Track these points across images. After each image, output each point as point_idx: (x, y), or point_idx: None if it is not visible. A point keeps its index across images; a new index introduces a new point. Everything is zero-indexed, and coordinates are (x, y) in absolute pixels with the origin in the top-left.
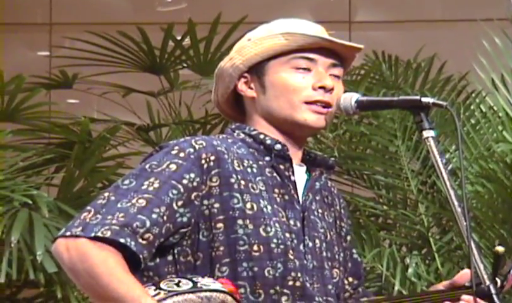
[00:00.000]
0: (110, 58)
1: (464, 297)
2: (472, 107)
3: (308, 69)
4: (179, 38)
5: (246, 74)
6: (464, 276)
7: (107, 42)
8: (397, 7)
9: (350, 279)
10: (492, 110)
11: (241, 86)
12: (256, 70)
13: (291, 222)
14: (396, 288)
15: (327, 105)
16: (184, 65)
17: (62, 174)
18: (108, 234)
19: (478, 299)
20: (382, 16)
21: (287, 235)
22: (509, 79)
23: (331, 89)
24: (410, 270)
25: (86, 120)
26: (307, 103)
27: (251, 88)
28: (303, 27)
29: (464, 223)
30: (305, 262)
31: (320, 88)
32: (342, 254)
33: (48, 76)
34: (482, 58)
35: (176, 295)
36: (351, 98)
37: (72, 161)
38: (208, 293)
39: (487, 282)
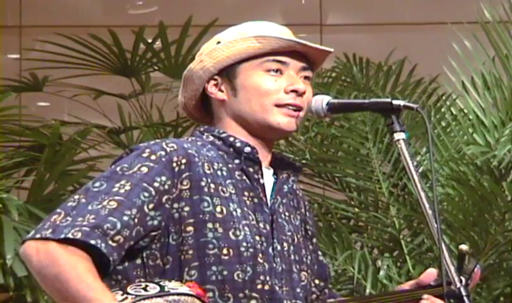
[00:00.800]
0: (81, 61)
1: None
2: (443, 110)
3: (280, 72)
4: (150, 40)
5: (216, 77)
6: (429, 275)
7: (78, 45)
8: (368, 10)
9: (316, 281)
10: (463, 112)
11: (211, 89)
12: (228, 73)
13: (261, 225)
14: (368, 290)
15: (298, 108)
16: (155, 68)
17: (32, 177)
18: (78, 235)
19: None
20: (353, 19)
21: (257, 238)
22: (479, 82)
23: (303, 93)
24: (381, 272)
25: (57, 123)
26: (278, 106)
27: (222, 91)
28: (274, 30)
29: (435, 226)
30: (274, 265)
31: (292, 91)
32: (309, 257)
33: (18, 79)
34: (452, 61)
35: (144, 299)
36: (322, 101)
37: (42, 164)
38: (176, 297)
39: (458, 284)
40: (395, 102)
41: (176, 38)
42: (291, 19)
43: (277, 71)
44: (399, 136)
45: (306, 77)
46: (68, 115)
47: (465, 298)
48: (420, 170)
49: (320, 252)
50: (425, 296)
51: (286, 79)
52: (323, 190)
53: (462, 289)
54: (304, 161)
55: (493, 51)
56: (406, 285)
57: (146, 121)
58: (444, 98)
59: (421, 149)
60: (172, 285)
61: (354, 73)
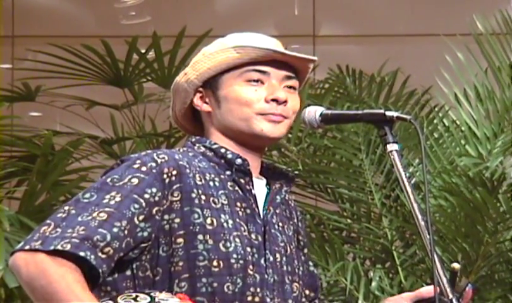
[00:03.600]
0: (74, 71)
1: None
2: (435, 121)
3: (261, 82)
4: (143, 51)
5: (201, 89)
6: (430, 290)
7: (71, 55)
8: (361, 22)
9: (307, 291)
10: (455, 124)
11: (197, 101)
12: (211, 84)
13: (253, 236)
14: (360, 302)
15: (281, 117)
16: (149, 78)
17: (24, 188)
18: (68, 247)
19: None
20: (346, 30)
21: (248, 249)
22: (471, 94)
23: (284, 102)
24: (374, 284)
25: (49, 133)
26: (260, 115)
27: (207, 103)
28: (256, 40)
29: (428, 237)
30: (266, 276)
31: (273, 100)
32: (301, 268)
33: (10, 89)
34: (445, 73)
35: None
36: (315, 112)
37: (34, 175)
38: None
39: (450, 296)
40: (388, 113)
41: (169, 48)
42: (284, 30)
43: (257, 80)
44: (392, 147)
45: (290, 87)
46: (60, 125)
47: None
48: (413, 182)
49: (311, 263)
50: None
51: (266, 89)
52: (315, 201)
53: (454, 301)
54: (296, 172)
55: (485, 63)
56: (408, 297)
57: (139, 131)
58: (436, 109)
59: (414, 160)
60: (162, 296)
61: (347, 84)
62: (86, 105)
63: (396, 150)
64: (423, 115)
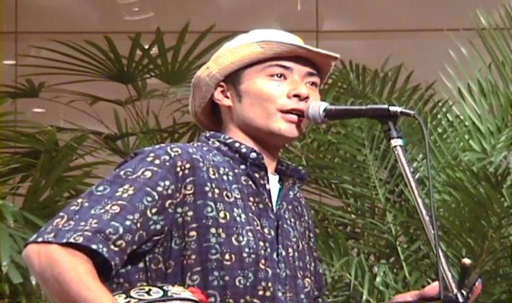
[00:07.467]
0: (77, 67)
1: None
2: (439, 116)
3: (283, 77)
4: (146, 47)
5: (222, 83)
6: (434, 288)
7: (74, 51)
8: (365, 17)
9: None
10: (459, 119)
11: (218, 95)
12: (233, 79)
13: (265, 231)
14: (364, 297)
15: (301, 113)
16: (152, 74)
17: (28, 184)
18: (80, 240)
19: None
20: (349, 26)
21: (261, 243)
22: (475, 89)
23: (306, 98)
24: (378, 279)
25: (53, 129)
26: (282, 111)
27: (228, 97)
28: (279, 36)
29: (432, 232)
30: (278, 271)
31: (295, 96)
32: (313, 264)
33: (14, 85)
34: (449, 68)
35: None
36: (319, 107)
37: (38, 171)
38: (178, 302)
39: (455, 291)
40: (392, 108)
41: (172, 44)
42: (287, 26)
43: (280, 75)
44: (396, 142)
45: (312, 83)
46: (64, 121)
47: None
48: (417, 177)
49: (318, 262)
50: None
51: (289, 84)
52: (319, 196)
53: (459, 296)
54: (305, 170)
55: (489, 58)
56: (409, 295)
57: (143, 127)
58: (440, 104)
59: (418, 155)
60: (175, 290)
61: (351, 79)
62: (90, 100)
63: (400, 145)
64: (427, 110)
